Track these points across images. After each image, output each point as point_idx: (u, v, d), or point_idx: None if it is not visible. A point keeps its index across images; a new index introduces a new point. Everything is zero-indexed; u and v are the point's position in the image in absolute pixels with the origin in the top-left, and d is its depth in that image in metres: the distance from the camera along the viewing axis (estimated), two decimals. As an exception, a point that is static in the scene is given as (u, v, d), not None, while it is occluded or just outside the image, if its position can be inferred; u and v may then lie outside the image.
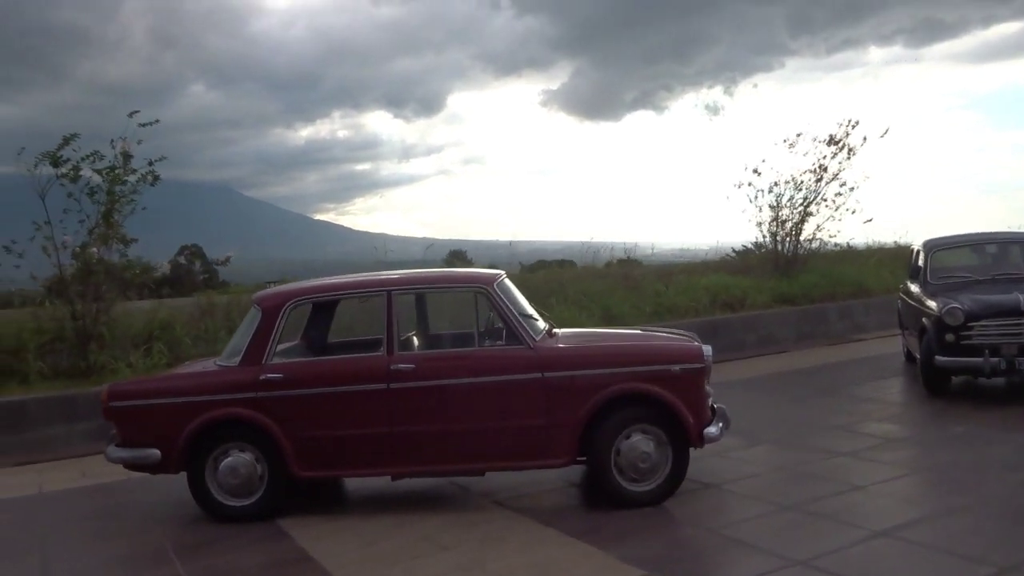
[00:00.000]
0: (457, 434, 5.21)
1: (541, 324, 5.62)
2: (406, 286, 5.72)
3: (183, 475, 5.36)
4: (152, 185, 9.41)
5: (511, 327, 5.30)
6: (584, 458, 5.19)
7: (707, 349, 5.33)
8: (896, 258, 14.90)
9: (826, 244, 15.28)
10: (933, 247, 9.07)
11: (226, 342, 6.43)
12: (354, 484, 6.13)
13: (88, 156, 9.06)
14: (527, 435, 5.17)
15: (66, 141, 8.97)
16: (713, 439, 5.20)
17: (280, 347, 5.71)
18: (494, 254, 16.97)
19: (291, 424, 5.23)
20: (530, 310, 5.72)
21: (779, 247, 14.77)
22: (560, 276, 13.33)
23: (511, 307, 5.37)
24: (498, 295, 5.37)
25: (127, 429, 5.43)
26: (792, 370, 10.42)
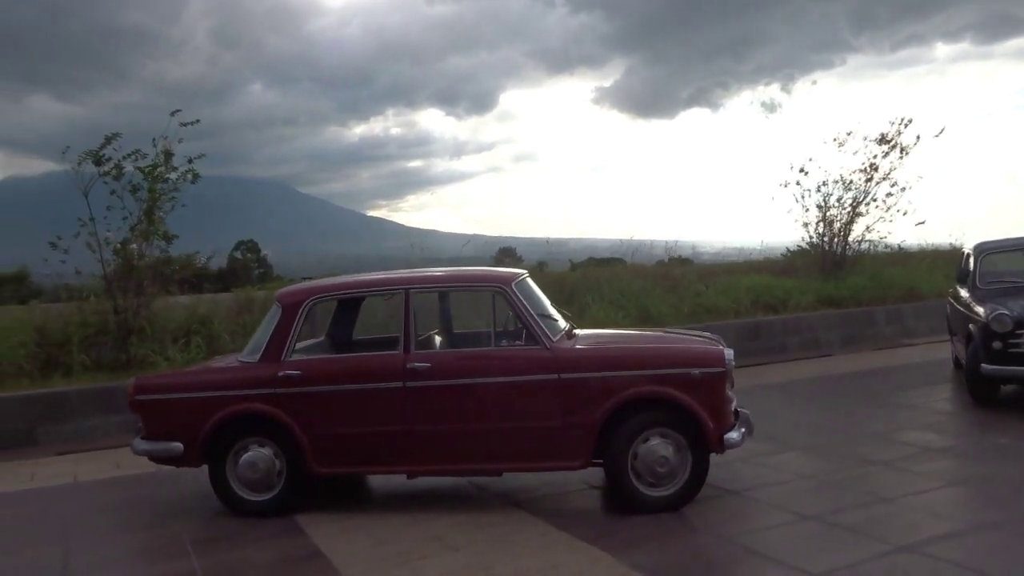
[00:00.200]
0: (472, 434, 5.18)
1: (560, 324, 5.55)
2: (424, 285, 5.70)
3: (207, 469, 5.44)
4: (192, 183, 9.61)
5: (528, 327, 5.24)
6: (601, 461, 5.11)
7: (729, 353, 5.19)
8: (951, 261, 14.35)
9: (876, 246, 14.87)
10: (983, 250, 8.71)
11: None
12: (374, 482, 6.16)
13: (130, 154, 9.30)
14: (542, 436, 5.10)
15: (108, 140, 9.21)
16: (734, 445, 5.07)
17: (304, 344, 5.75)
18: (544, 251, 16.91)
19: (308, 420, 5.26)
20: (551, 310, 5.66)
21: (826, 247, 14.42)
22: (597, 275, 13.20)
23: (529, 307, 5.30)
24: (515, 295, 5.31)
25: (151, 422, 5.52)
26: (834, 375, 10.14)
